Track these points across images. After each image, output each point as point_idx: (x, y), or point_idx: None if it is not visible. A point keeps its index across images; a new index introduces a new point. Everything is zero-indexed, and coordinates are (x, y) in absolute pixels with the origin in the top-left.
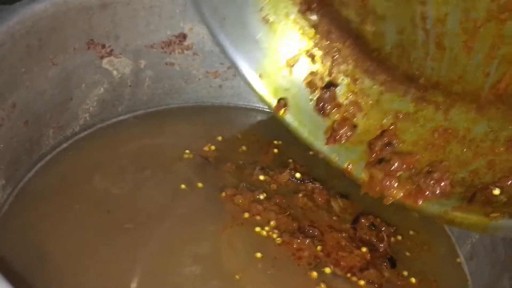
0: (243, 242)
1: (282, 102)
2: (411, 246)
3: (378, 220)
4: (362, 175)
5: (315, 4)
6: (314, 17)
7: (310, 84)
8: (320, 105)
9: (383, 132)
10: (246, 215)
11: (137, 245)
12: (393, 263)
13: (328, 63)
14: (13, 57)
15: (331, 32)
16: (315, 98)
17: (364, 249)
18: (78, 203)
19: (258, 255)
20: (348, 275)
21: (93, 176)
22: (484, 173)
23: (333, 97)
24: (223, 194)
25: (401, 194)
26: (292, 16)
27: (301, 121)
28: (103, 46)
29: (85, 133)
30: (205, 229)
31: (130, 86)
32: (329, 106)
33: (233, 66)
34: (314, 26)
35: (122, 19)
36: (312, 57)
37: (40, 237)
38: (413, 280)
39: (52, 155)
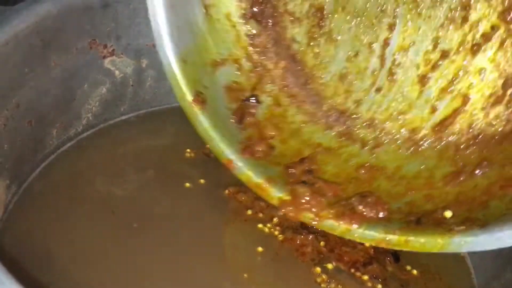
0: (246, 239)
1: (201, 98)
2: None
3: None
4: (282, 194)
5: (261, 14)
6: (254, 29)
7: (230, 93)
8: (238, 116)
9: (302, 159)
10: (249, 212)
11: (143, 244)
12: (396, 258)
13: (254, 79)
14: (17, 57)
15: (267, 48)
16: (233, 107)
17: (367, 244)
18: (82, 203)
19: (260, 250)
20: (352, 270)
21: (96, 177)
22: (423, 203)
23: (252, 113)
24: (226, 191)
25: (332, 214)
26: (233, 19)
27: (216, 124)
28: (105, 46)
29: (88, 133)
30: (209, 227)
31: (132, 85)
32: (247, 120)
33: (158, 40)
34: (251, 37)
35: (123, 18)
36: (239, 67)
37: (46, 237)
38: (415, 271)
39: (56, 155)
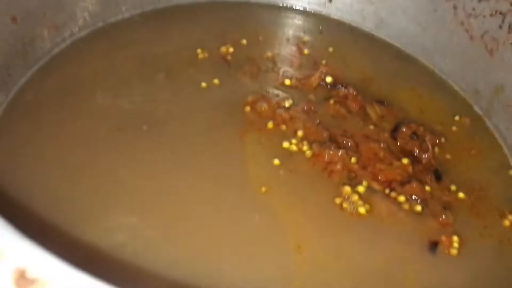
0: (266, 153)
1: None
2: (457, 152)
3: (422, 128)
4: None
5: None
6: None
7: None
8: None
9: None
10: (270, 124)
11: (157, 150)
12: (438, 176)
13: None
14: None
15: None
16: None
17: (405, 161)
18: (80, 117)
19: (282, 166)
20: (387, 190)
21: (96, 86)
22: None
23: None
24: (246, 100)
25: None
26: None
27: None
28: None
29: (85, 33)
30: (227, 137)
31: None
32: None
33: None
34: None
35: None
36: None
37: (38, 154)
38: (461, 195)
39: (49, 58)
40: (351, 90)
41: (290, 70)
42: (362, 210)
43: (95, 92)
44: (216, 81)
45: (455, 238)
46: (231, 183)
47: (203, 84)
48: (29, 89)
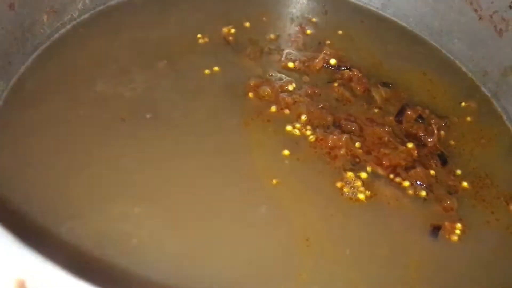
0: (271, 141)
1: None
2: (463, 135)
3: (427, 111)
4: None
5: None
6: None
7: None
8: None
9: None
10: (273, 108)
11: (161, 150)
12: (443, 160)
13: None
14: None
15: None
16: None
17: (410, 145)
18: (82, 106)
19: (287, 153)
20: (391, 175)
21: (97, 73)
22: None
23: None
24: (248, 84)
25: None
26: None
27: None
28: None
29: (85, 17)
30: (230, 124)
31: None
32: None
33: None
34: None
35: None
36: None
37: (40, 140)
38: (466, 180)
39: (49, 44)
40: (355, 72)
41: (294, 52)
42: (364, 196)
43: (95, 80)
44: (217, 67)
45: (458, 225)
46: (236, 173)
47: (206, 71)
48: (29, 76)
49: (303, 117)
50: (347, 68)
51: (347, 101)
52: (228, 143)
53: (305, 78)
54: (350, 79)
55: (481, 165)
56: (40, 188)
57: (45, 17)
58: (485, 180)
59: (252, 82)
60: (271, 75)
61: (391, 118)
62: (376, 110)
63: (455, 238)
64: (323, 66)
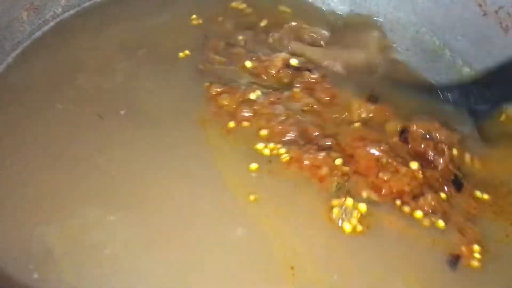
0: (239, 160)
1: None
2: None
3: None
4: None
5: None
6: None
7: None
8: None
9: None
10: (231, 124)
11: (133, 150)
12: (458, 185)
13: None
14: None
15: None
16: None
17: (414, 165)
18: (61, 102)
19: (257, 170)
20: (398, 202)
21: (79, 68)
22: None
23: None
24: (210, 91)
25: None
26: None
27: None
28: None
29: (69, 14)
30: (189, 134)
31: None
32: None
33: None
34: None
35: None
36: None
37: (17, 140)
38: (485, 197)
39: (29, 43)
40: (316, 75)
41: (258, 47)
42: (357, 226)
43: (76, 75)
44: (187, 51)
45: (475, 247)
46: (203, 183)
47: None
48: (8, 75)
49: (263, 132)
50: (308, 70)
51: (314, 112)
52: (192, 150)
53: (273, 85)
54: (313, 83)
55: (496, 176)
56: (8, 189)
57: (24, 14)
58: (502, 189)
59: (213, 90)
60: (228, 77)
61: (378, 132)
62: (356, 125)
63: (475, 264)
64: (283, 66)
